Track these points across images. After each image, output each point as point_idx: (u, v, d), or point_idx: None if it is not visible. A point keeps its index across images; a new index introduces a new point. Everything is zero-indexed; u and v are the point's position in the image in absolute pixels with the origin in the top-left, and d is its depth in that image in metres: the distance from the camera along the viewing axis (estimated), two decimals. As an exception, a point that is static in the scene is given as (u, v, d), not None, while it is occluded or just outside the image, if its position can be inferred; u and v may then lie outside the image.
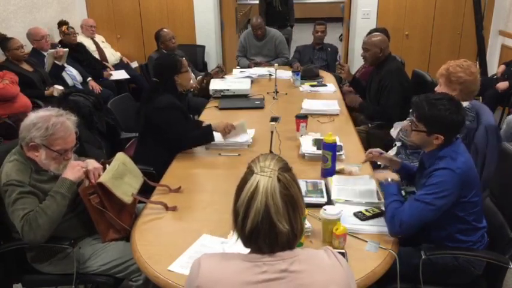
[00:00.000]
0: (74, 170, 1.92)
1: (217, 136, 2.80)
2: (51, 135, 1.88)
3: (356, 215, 1.90)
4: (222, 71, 4.35)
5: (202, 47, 5.96)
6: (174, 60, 2.76)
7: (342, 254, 1.61)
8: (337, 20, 10.34)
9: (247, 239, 1.15)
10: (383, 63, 3.47)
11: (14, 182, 1.84)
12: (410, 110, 2.12)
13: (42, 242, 1.84)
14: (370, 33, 4.02)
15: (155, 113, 2.65)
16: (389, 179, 1.93)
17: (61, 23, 5.06)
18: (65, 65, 4.56)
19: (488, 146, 2.40)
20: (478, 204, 1.86)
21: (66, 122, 1.94)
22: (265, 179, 1.12)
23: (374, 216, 1.89)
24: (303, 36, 8.98)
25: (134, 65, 5.93)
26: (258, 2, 6.74)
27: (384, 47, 3.47)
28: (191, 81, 2.85)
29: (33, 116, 1.91)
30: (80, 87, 4.57)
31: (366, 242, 1.76)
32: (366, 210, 1.93)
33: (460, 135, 1.93)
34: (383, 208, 1.93)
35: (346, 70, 3.87)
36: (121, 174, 2.03)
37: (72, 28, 5.11)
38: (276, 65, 4.05)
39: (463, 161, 1.80)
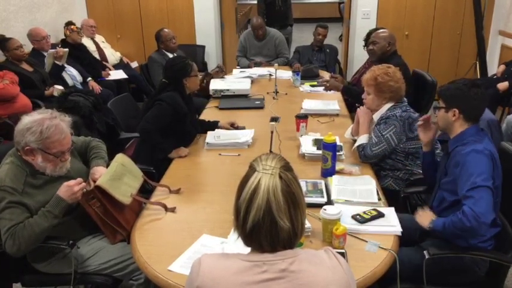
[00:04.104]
0: (72, 195, 1.86)
1: (217, 136, 2.81)
2: (46, 138, 1.86)
3: (354, 217, 1.89)
4: (222, 71, 4.36)
5: (202, 47, 5.96)
6: (185, 63, 2.83)
7: (342, 254, 1.61)
8: (337, 20, 10.37)
9: (248, 236, 1.15)
10: (388, 59, 3.45)
11: (6, 188, 1.81)
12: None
13: (21, 255, 1.85)
14: (369, 33, 4.03)
15: (154, 103, 2.73)
16: (430, 224, 1.87)
17: (69, 23, 5.07)
18: (65, 65, 4.57)
19: (493, 140, 2.40)
20: (499, 194, 1.87)
21: (60, 124, 1.91)
22: (267, 177, 1.13)
23: (372, 218, 1.88)
24: (302, 36, 8.99)
25: (134, 65, 5.93)
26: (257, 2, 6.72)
27: (392, 42, 3.53)
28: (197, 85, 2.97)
29: (26, 120, 1.88)
30: (80, 87, 4.57)
31: (366, 242, 1.76)
32: (364, 212, 1.92)
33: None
34: (381, 210, 1.93)
35: (336, 81, 3.74)
36: (120, 175, 2.03)
37: (80, 28, 5.15)
38: (276, 65, 4.05)
39: (488, 144, 1.85)
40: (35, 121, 1.87)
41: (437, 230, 1.83)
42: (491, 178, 1.77)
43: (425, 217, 1.92)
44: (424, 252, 1.79)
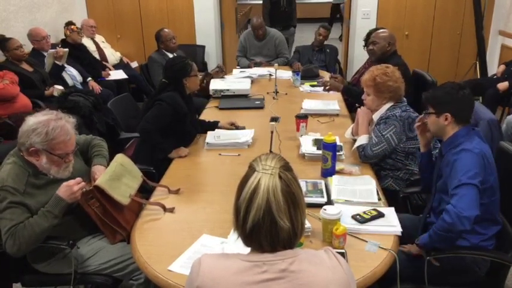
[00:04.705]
0: (72, 194, 1.86)
1: (217, 136, 2.81)
2: (51, 140, 1.86)
3: (354, 217, 1.89)
4: (222, 71, 4.36)
5: (202, 47, 5.96)
6: (185, 63, 2.84)
7: (342, 254, 1.61)
8: (337, 20, 10.37)
9: (248, 236, 1.15)
10: (388, 59, 3.44)
11: (8, 188, 1.81)
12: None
13: (21, 255, 1.85)
14: (369, 33, 4.03)
15: (155, 103, 2.73)
16: (416, 241, 1.88)
17: (69, 23, 5.07)
18: (65, 65, 4.56)
19: (493, 140, 2.41)
20: (496, 192, 1.87)
21: (65, 126, 1.91)
22: (266, 177, 1.13)
23: (372, 218, 1.88)
24: (303, 36, 8.99)
25: (134, 65, 5.93)
26: (257, 2, 6.70)
27: (392, 42, 3.55)
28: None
29: (31, 121, 1.88)
30: (80, 87, 4.57)
31: (366, 242, 1.76)
32: (364, 212, 1.92)
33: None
34: (381, 210, 1.93)
35: (336, 82, 3.78)
36: (119, 176, 2.03)
37: (80, 28, 5.16)
38: (276, 65, 4.06)
39: (479, 143, 1.85)
40: (40, 122, 1.87)
41: (425, 242, 1.83)
42: (480, 176, 1.77)
43: (411, 248, 1.91)
44: (425, 252, 1.79)
